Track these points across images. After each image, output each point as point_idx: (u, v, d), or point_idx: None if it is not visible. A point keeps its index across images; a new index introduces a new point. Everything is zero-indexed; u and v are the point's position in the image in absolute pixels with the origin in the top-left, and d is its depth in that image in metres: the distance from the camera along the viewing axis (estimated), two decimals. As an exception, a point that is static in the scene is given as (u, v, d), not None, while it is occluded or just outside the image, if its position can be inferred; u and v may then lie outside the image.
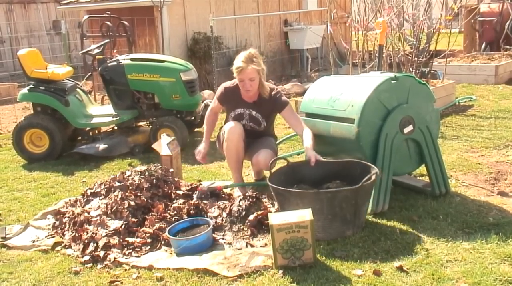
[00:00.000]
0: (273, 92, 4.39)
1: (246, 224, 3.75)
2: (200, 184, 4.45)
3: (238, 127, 4.31)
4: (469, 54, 10.80)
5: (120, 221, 3.80)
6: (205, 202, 4.08)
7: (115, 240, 3.64)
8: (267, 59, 11.33)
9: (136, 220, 3.84)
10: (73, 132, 6.56)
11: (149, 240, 3.68)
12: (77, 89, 6.66)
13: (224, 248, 3.57)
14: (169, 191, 4.19)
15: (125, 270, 3.40)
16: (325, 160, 4.09)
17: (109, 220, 3.83)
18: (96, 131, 6.56)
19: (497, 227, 3.57)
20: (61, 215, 4.16)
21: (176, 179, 4.39)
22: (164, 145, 4.78)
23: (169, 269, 3.34)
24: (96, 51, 6.79)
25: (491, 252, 3.25)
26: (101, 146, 6.14)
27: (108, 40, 7.16)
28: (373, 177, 3.56)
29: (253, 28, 11.66)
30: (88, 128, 6.49)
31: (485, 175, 4.64)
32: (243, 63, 4.18)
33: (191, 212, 3.92)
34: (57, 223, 4.10)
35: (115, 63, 6.46)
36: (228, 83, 4.50)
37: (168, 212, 3.93)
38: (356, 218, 3.54)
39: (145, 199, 4.00)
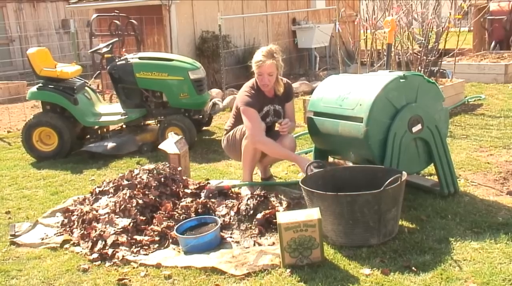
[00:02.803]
0: (284, 82, 4.49)
1: (254, 222, 3.75)
2: (208, 183, 4.45)
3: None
4: (478, 53, 10.72)
5: (128, 219, 3.81)
6: (213, 200, 4.08)
7: (123, 238, 3.66)
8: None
9: (144, 218, 3.85)
10: (81, 130, 6.61)
11: (157, 238, 3.69)
12: (86, 87, 6.69)
13: (232, 246, 3.57)
14: (177, 190, 4.19)
15: (133, 268, 3.41)
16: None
17: (117, 218, 3.84)
18: (105, 129, 6.59)
19: (506, 226, 3.55)
20: (70, 213, 4.19)
21: (184, 178, 4.40)
22: (172, 143, 4.79)
23: (177, 267, 3.35)
24: (105, 50, 6.81)
25: (500, 252, 3.23)
26: (110, 144, 6.17)
27: (117, 39, 7.18)
28: (398, 182, 3.37)
29: (261, 27, 11.65)
30: (96, 127, 6.53)
31: (494, 174, 4.61)
32: (264, 57, 4.19)
33: (199, 210, 3.93)
34: (66, 221, 4.13)
35: (123, 62, 6.48)
36: (247, 88, 4.37)
37: (176, 210, 3.93)
38: (381, 225, 3.36)
39: (153, 197, 4.01)
